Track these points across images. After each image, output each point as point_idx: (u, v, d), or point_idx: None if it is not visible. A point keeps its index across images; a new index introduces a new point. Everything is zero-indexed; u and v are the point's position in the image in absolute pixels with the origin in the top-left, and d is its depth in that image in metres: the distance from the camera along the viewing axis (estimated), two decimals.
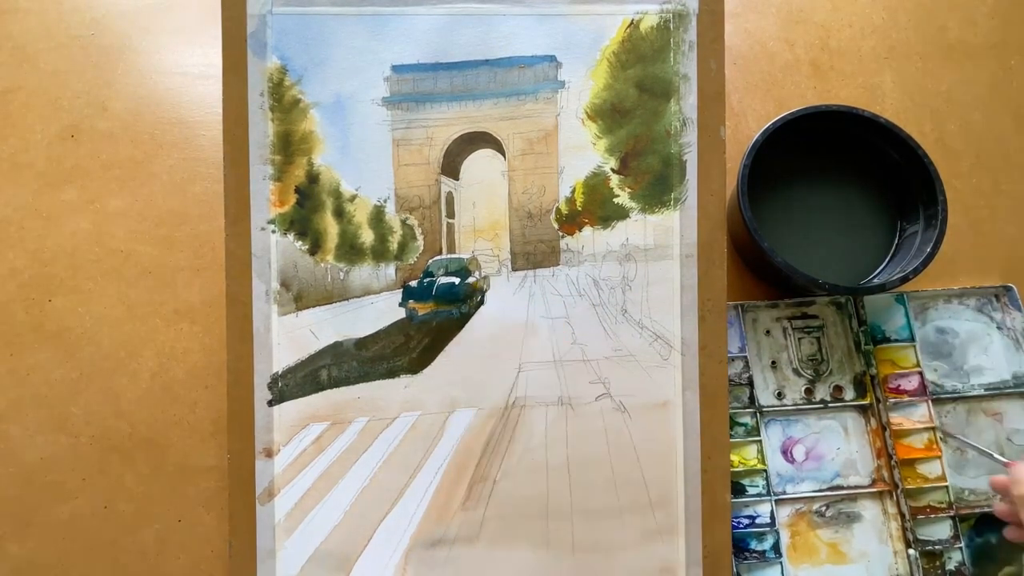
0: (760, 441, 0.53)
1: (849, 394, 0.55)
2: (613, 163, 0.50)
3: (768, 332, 0.56)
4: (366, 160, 0.50)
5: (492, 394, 0.49)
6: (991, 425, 0.55)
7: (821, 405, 0.54)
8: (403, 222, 0.50)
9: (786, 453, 0.54)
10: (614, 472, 0.49)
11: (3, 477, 0.52)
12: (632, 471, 0.49)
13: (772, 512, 0.52)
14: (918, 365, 0.55)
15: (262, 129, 0.48)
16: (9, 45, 0.59)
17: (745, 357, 0.55)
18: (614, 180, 0.50)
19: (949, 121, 0.61)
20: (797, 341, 0.56)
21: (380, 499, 0.48)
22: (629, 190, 0.50)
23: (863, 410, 0.55)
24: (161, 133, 0.58)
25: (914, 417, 0.54)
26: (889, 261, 0.55)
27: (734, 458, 0.53)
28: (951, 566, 0.52)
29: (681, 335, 0.49)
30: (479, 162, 0.51)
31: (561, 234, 0.50)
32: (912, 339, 0.56)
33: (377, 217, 0.50)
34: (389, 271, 0.50)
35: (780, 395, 0.55)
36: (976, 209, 0.60)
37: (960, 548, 0.52)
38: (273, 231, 0.49)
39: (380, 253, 0.50)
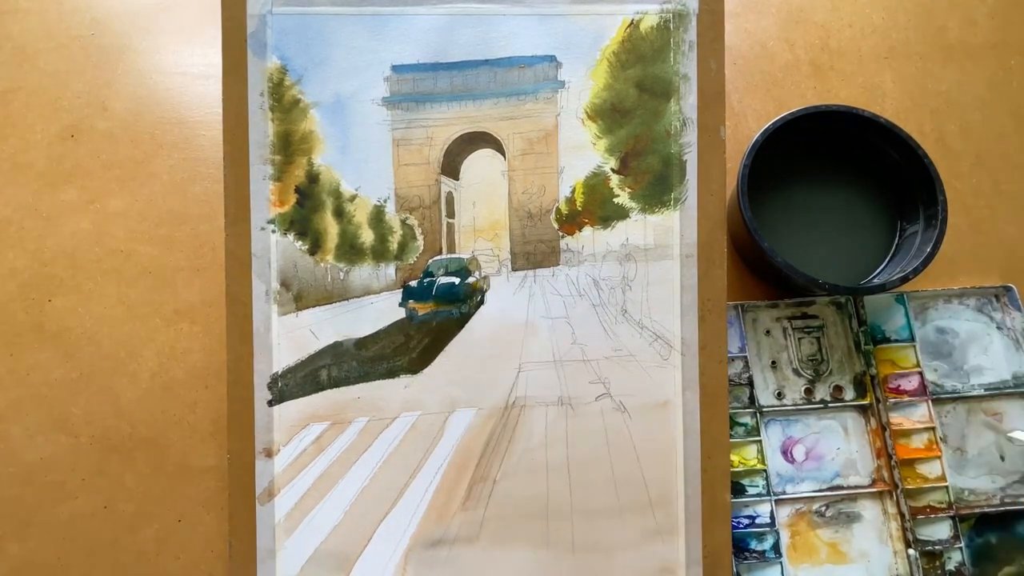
0: (760, 441, 0.53)
1: (849, 394, 0.55)
2: (613, 163, 0.50)
3: (768, 332, 0.56)
4: (366, 160, 0.50)
5: (492, 394, 0.49)
6: (992, 425, 0.55)
7: (821, 405, 0.54)
8: (403, 222, 0.50)
9: (786, 453, 0.54)
10: (614, 472, 0.49)
11: (3, 477, 0.52)
12: (632, 471, 0.49)
13: (772, 512, 0.52)
14: (918, 365, 0.55)
15: (262, 129, 0.48)
16: (9, 45, 0.59)
17: (745, 357, 0.55)
18: (614, 180, 0.50)
19: (949, 121, 0.61)
20: (797, 341, 0.56)
21: (380, 499, 0.48)
22: (629, 190, 0.50)
23: (863, 410, 0.55)
24: (161, 133, 0.58)
25: (914, 417, 0.54)
26: (889, 261, 0.55)
27: (734, 458, 0.53)
28: (951, 566, 0.52)
29: (681, 335, 0.49)
30: (479, 162, 0.51)
31: (561, 234, 0.50)
32: (912, 339, 0.56)
33: (377, 217, 0.50)
34: (389, 271, 0.50)
35: (780, 395, 0.55)
36: (976, 209, 0.60)
37: (960, 548, 0.52)
38: (273, 231, 0.49)
39: (380, 253, 0.50)
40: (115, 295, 0.55)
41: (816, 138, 0.55)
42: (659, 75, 0.50)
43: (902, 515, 0.52)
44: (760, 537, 0.52)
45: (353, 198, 0.50)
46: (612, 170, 0.50)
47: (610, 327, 0.50)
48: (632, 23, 0.50)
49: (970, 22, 0.63)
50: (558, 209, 0.50)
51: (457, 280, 0.50)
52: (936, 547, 0.52)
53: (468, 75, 0.50)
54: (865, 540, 0.53)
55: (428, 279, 0.50)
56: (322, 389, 0.49)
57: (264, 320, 0.48)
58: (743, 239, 0.54)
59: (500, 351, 0.50)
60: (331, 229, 0.50)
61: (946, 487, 0.53)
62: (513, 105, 0.50)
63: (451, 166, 0.51)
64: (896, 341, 0.56)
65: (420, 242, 0.50)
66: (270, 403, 0.48)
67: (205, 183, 0.57)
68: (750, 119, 0.61)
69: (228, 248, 0.48)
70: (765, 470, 0.53)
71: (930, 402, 0.54)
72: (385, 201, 0.50)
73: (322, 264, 0.49)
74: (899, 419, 0.54)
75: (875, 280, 0.54)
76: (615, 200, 0.50)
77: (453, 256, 0.50)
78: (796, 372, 0.55)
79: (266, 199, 0.49)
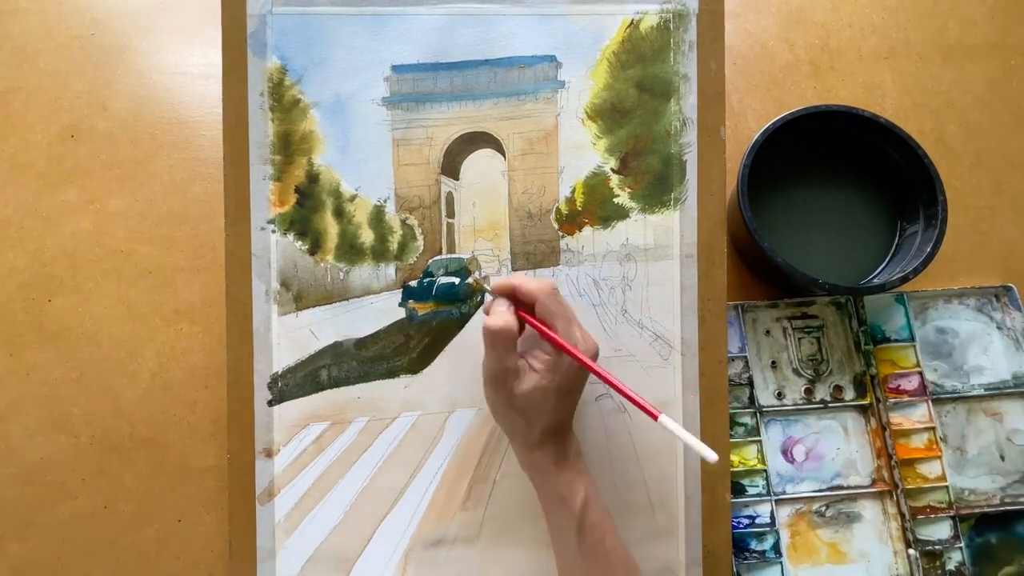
0: (760, 441, 0.53)
1: (849, 394, 0.55)
2: (613, 163, 0.50)
3: (768, 332, 0.56)
4: (366, 160, 0.50)
5: None
6: (991, 425, 0.55)
7: (821, 405, 0.54)
8: (403, 222, 0.50)
9: (786, 453, 0.54)
10: (614, 472, 0.49)
11: (3, 477, 0.52)
12: (632, 471, 0.49)
13: (772, 512, 0.52)
14: (918, 365, 0.55)
15: (262, 129, 0.48)
16: (9, 45, 0.59)
17: (745, 357, 0.55)
18: (614, 180, 0.50)
19: (949, 121, 0.61)
20: (797, 341, 0.56)
21: (380, 499, 0.48)
22: (629, 190, 0.50)
23: (863, 410, 0.55)
24: (161, 133, 0.58)
25: (914, 417, 0.54)
26: (889, 261, 0.55)
27: (734, 458, 0.53)
28: (951, 566, 0.52)
29: (681, 335, 0.49)
30: (479, 162, 0.51)
31: (561, 234, 0.50)
32: (912, 339, 0.56)
33: (377, 217, 0.50)
34: (389, 271, 0.50)
35: (780, 395, 0.55)
36: (976, 209, 0.60)
37: (960, 548, 0.52)
38: (273, 231, 0.49)
39: (380, 253, 0.50)
40: (115, 295, 0.55)
41: (816, 138, 0.55)
42: (659, 75, 0.50)
43: (902, 515, 0.52)
44: (760, 537, 0.52)
45: (353, 198, 0.50)
46: (612, 170, 0.50)
47: (610, 327, 0.50)
48: (632, 23, 0.50)
49: (970, 22, 0.63)
50: (558, 209, 0.50)
51: (457, 280, 0.50)
52: (936, 547, 0.52)
53: (468, 75, 0.50)
54: (865, 540, 0.53)
55: (428, 279, 0.50)
56: (322, 389, 0.49)
57: (264, 320, 0.48)
58: (743, 239, 0.54)
59: None
60: (331, 229, 0.50)
61: (946, 487, 0.53)
62: (513, 105, 0.50)
63: (451, 166, 0.51)
64: (896, 341, 0.56)
65: (420, 242, 0.50)
66: (270, 403, 0.48)
67: (205, 183, 0.57)
68: (750, 119, 0.61)
69: (228, 248, 0.48)
70: (765, 470, 0.53)
71: (930, 402, 0.54)
72: (385, 201, 0.50)
73: (322, 264, 0.49)
74: (899, 419, 0.54)
75: (875, 280, 0.54)
76: (615, 200, 0.50)
77: (453, 256, 0.50)
78: (796, 372, 0.55)
79: (266, 199, 0.48)
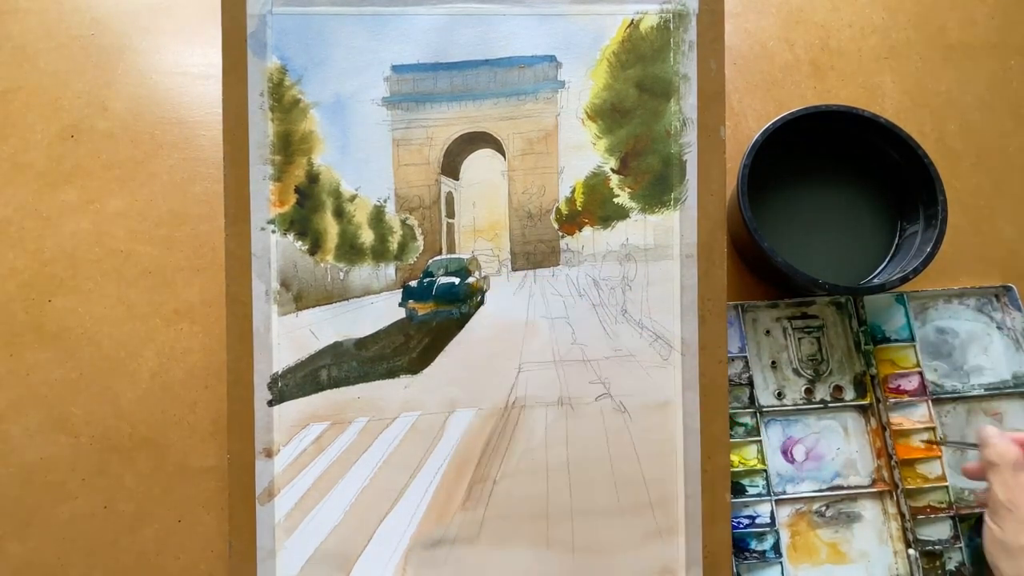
0: (760, 441, 0.53)
1: (849, 394, 0.55)
2: (613, 163, 0.50)
3: (768, 332, 0.56)
4: (366, 160, 0.50)
5: (492, 394, 0.49)
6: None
7: (821, 405, 0.54)
8: (403, 222, 0.50)
9: (786, 453, 0.54)
10: (614, 472, 0.49)
11: (3, 477, 0.52)
12: (632, 471, 0.49)
13: (772, 512, 0.52)
14: (918, 365, 0.55)
15: (262, 129, 0.48)
16: (9, 45, 0.59)
17: (745, 357, 0.55)
18: (614, 180, 0.50)
19: (949, 121, 0.61)
20: (797, 341, 0.56)
21: (380, 499, 0.48)
22: (629, 190, 0.50)
23: (863, 410, 0.55)
24: (161, 133, 0.58)
25: (914, 417, 0.54)
26: (889, 261, 0.55)
27: (734, 458, 0.53)
28: (951, 566, 0.52)
29: (681, 335, 0.49)
30: (479, 162, 0.51)
31: (561, 234, 0.50)
32: (912, 339, 0.56)
33: (377, 217, 0.50)
34: (389, 271, 0.50)
35: (780, 395, 0.55)
36: (976, 209, 0.60)
37: (960, 548, 0.52)
38: (273, 231, 0.49)
39: (380, 253, 0.50)
40: (115, 295, 0.55)
41: (816, 138, 0.55)
42: (659, 75, 0.50)
43: (902, 515, 0.52)
44: (760, 537, 0.52)
45: (353, 198, 0.50)
46: (612, 170, 0.50)
47: (610, 327, 0.50)
48: (632, 23, 0.50)
49: (970, 22, 0.63)
50: (558, 209, 0.50)
51: (457, 280, 0.50)
52: (936, 547, 0.52)
53: (468, 75, 0.50)
54: (865, 540, 0.53)
55: (428, 279, 0.50)
56: (322, 389, 0.49)
57: (264, 320, 0.48)
58: (743, 239, 0.53)
59: (500, 351, 0.50)
60: (331, 229, 0.50)
61: (946, 487, 0.53)
62: (513, 105, 0.50)
63: (451, 166, 0.51)
64: (896, 341, 0.56)
65: (420, 242, 0.50)
66: (270, 403, 0.48)
67: (205, 183, 0.57)
68: (750, 119, 0.61)
69: (228, 248, 0.48)
70: (765, 470, 0.53)
71: (930, 402, 0.54)
72: (385, 201, 0.50)
73: (322, 264, 0.49)
74: (899, 419, 0.54)
75: (875, 280, 0.54)
76: (615, 200, 0.50)
77: (453, 256, 0.50)
78: (796, 372, 0.55)
79: (266, 199, 0.48)
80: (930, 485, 0.53)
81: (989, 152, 0.61)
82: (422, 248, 0.50)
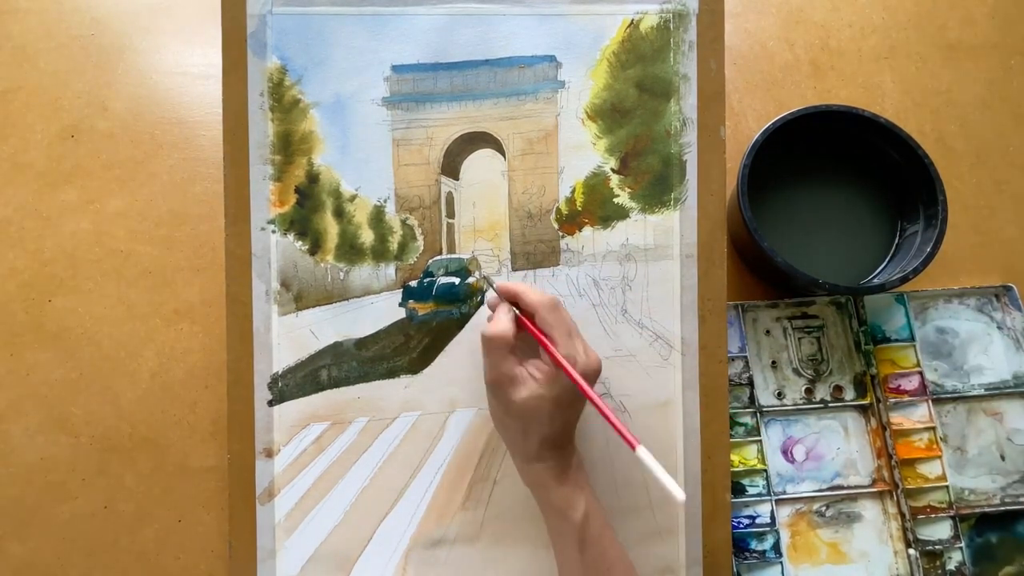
0: (760, 441, 0.53)
1: (849, 394, 0.55)
2: (613, 163, 0.50)
3: (768, 332, 0.56)
4: (366, 160, 0.50)
5: None
6: (991, 425, 0.55)
7: (821, 405, 0.54)
8: (403, 222, 0.50)
9: (786, 453, 0.54)
10: (614, 472, 0.49)
11: (3, 477, 0.52)
12: (632, 471, 0.49)
13: (772, 512, 0.52)
14: (918, 365, 0.55)
15: (262, 129, 0.48)
16: (9, 45, 0.59)
17: (745, 357, 0.55)
18: (614, 180, 0.50)
19: (949, 121, 0.61)
20: (797, 341, 0.56)
21: (380, 499, 0.48)
22: (629, 190, 0.50)
23: (863, 410, 0.55)
24: (161, 133, 0.58)
25: (914, 417, 0.54)
26: (889, 261, 0.55)
27: (734, 458, 0.53)
28: (951, 566, 0.52)
29: (681, 335, 0.49)
30: (479, 162, 0.51)
31: (561, 234, 0.50)
32: (912, 339, 0.56)
33: (377, 217, 0.50)
34: (389, 271, 0.50)
35: (780, 395, 0.55)
36: (976, 209, 0.60)
37: (960, 548, 0.52)
38: (273, 231, 0.49)
39: (380, 253, 0.50)
40: (115, 295, 0.55)
41: (816, 138, 0.55)
42: (659, 75, 0.50)
43: (902, 515, 0.52)
44: (760, 537, 0.52)
45: (353, 198, 0.50)
46: (612, 170, 0.50)
47: (610, 327, 0.50)
48: (632, 23, 0.50)
49: (970, 22, 0.63)
50: (558, 209, 0.50)
51: (457, 280, 0.50)
52: (936, 547, 0.52)
53: (468, 75, 0.50)
54: (865, 540, 0.53)
55: (428, 279, 0.50)
56: (322, 389, 0.49)
57: (264, 320, 0.48)
58: (743, 239, 0.53)
59: None
60: (331, 229, 0.50)
61: (946, 487, 0.53)
62: (513, 105, 0.50)
63: (451, 166, 0.51)
64: (896, 341, 0.56)
65: (420, 242, 0.50)
66: (270, 403, 0.48)
67: (205, 183, 0.57)
68: (750, 119, 0.61)
69: (228, 248, 0.48)
70: (765, 470, 0.53)
71: (930, 402, 0.54)
72: (385, 201, 0.50)
73: (322, 264, 0.49)
74: (899, 419, 0.54)
75: (875, 280, 0.54)
76: (615, 200, 0.50)
77: (453, 256, 0.50)
78: (796, 372, 0.55)
79: (266, 199, 0.48)
80: (930, 485, 0.53)
81: (989, 152, 0.61)
82: (422, 248, 0.50)
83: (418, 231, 0.50)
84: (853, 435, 0.54)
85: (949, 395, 0.55)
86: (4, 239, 0.55)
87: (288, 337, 0.48)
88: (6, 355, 0.54)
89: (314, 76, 0.49)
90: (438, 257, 0.50)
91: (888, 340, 0.56)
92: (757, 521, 0.52)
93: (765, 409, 0.54)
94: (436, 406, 0.49)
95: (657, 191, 0.50)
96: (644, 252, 0.50)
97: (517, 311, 0.43)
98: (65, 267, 0.55)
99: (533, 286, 0.49)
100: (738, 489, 0.53)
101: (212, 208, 0.56)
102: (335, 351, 0.49)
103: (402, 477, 0.49)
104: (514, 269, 0.50)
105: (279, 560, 0.48)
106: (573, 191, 0.50)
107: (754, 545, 0.52)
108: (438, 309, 0.50)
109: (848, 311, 0.56)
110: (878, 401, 0.54)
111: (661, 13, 0.50)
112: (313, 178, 0.49)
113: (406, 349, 0.49)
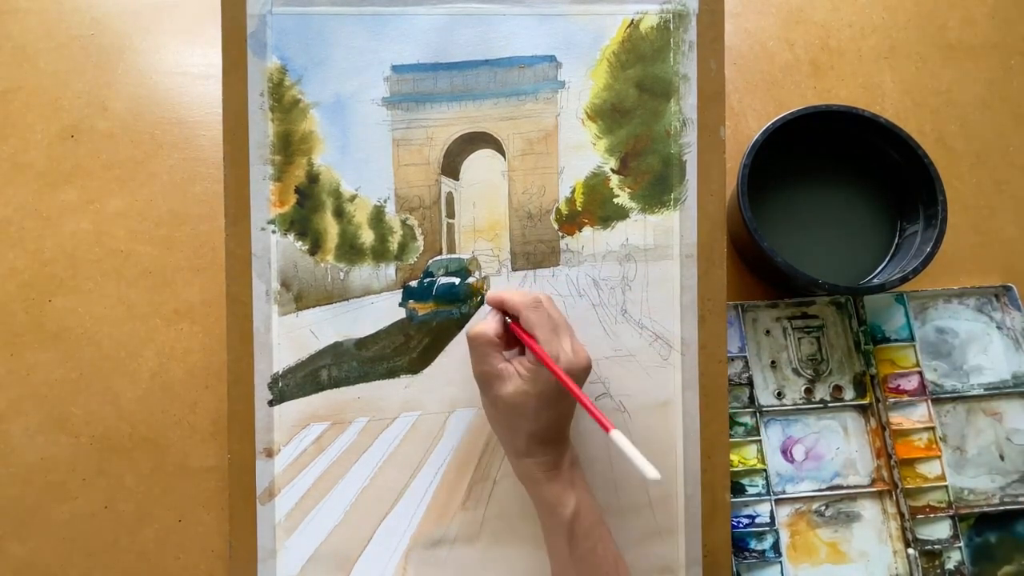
0: (760, 441, 0.53)
1: (849, 394, 0.55)
2: (613, 163, 0.50)
3: (768, 332, 0.56)
4: (366, 160, 0.50)
5: None
6: (991, 425, 0.55)
7: (821, 405, 0.54)
8: (403, 222, 0.50)
9: (786, 453, 0.54)
10: (614, 472, 0.49)
11: (3, 477, 0.52)
12: (632, 471, 0.49)
13: (772, 512, 0.52)
14: (918, 365, 0.55)
15: (262, 129, 0.48)
16: (9, 45, 0.59)
17: (745, 357, 0.55)
18: (614, 180, 0.50)
19: (949, 121, 0.61)
20: (797, 341, 0.56)
21: (380, 499, 0.48)
22: (629, 190, 0.50)
23: (863, 410, 0.55)
24: (161, 133, 0.58)
25: (914, 417, 0.54)
26: (889, 261, 0.55)
27: (734, 458, 0.53)
28: (951, 566, 0.52)
29: (681, 335, 0.49)
30: (479, 162, 0.51)
31: (561, 234, 0.50)
32: (912, 339, 0.56)
33: (377, 217, 0.50)
34: (389, 271, 0.50)
35: (780, 395, 0.55)
36: (976, 209, 0.60)
37: (960, 548, 0.52)
38: (273, 231, 0.49)
39: (380, 253, 0.50)
40: (115, 295, 0.55)
41: (816, 138, 0.55)
42: (659, 75, 0.50)
43: (902, 515, 0.52)
44: (760, 537, 0.52)
45: (353, 198, 0.50)
46: (612, 170, 0.50)
47: (610, 327, 0.50)
48: (632, 23, 0.50)
49: (970, 22, 0.63)
50: (558, 209, 0.50)
51: (457, 280, 0.50)
52: (936, 547, 0.52)
53: (468, 75, 0.50)
54: (865, 540, 0.53)
55: (428, 279, 0.50)
56: (322, 389, 0.49)
57: (264, 320, 0.48)
58: (743, 239, 0.54)
59: None
60: (331, 229, 0.50)
61: (946, 487, 0.53)
62: (513, 105, 0.50)
63: (451, 166, 0.51)
64: (896, 341, 0.56)
65: (420, 242, 0.50)
66: (270, 403, 0.48)
67: (205, 183, 0.57)
68: (750, 119, 0.61)
69: (228, 248, 0.48)
70: (765, 470, 0.53)
71: (930, 402, 0.54)
72: (385, 201, 0.50)
73: (322, 264, 0.49)
74: (899, 419, 0.54)
75: (875, 280, 0.54)
76: (615, 200, 0.50)
77: (453, 256, 0.50)
78: (796, 372, 0.55)
79: (266, 199, 0.49)
80: (929, 485, 0.53)
81: (989, 152, 0.61)
82: (422, 248, 0.50)
83: (418, 231, 0.50)
84: (853, 435, 0.54)
85: (948, 395, 0.55)
86: (4, 239, 0.55)
87: (288, 337, 0.49)
88: (6, 355, 0.54)
89: (314, 76, 0.49)
90: (438, 257, 0.50)
91: (888, 340, 0.56)
92: (757, 521, 0.52)
93: (765, 409, 0.54)
94: (436, 406, 0.49)
95: (657, 191, 0.50)
96: (644, 252, 0.50)
97: (507, 315, 0.44)
98: (65, 267, 0.55)
99: (518, 288, 0.49)
100: (738, 489, 0.53)
101: (212, 208, 0.56)
102: (335, 351, 0.49)
103: (402, 477, 0.49)
104: (514, 269, 0.50)
105: (279, 560, 0.48)
106: (573, 191, 0.50)
107: (754, 545, 0.52)
108: (438, 309, 0.50)
109: (848, 311, 0.56)
110: (878, 401, 0.54)
111: (661, 13, 0.50)
112: (313, 178, 0.49)
113: (406, 349, 0.49)
